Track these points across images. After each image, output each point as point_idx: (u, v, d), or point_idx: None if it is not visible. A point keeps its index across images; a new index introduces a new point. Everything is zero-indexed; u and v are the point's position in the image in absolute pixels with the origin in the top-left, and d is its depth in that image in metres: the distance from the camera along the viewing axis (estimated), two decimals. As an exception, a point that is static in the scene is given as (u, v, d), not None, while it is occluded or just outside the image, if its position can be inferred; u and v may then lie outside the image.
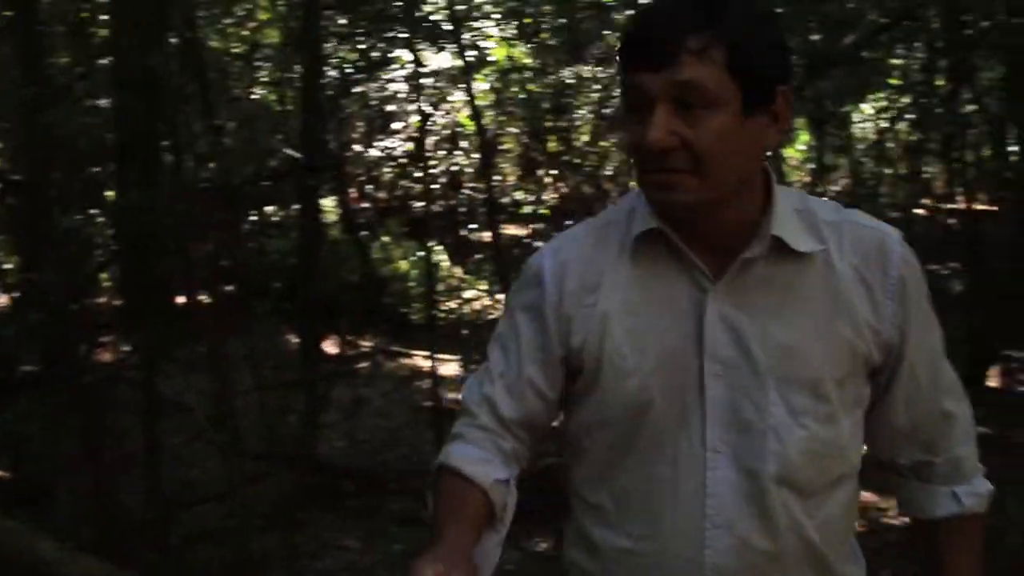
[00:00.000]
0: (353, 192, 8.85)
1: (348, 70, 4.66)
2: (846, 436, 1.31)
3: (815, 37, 5.03)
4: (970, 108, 5.98)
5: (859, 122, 7.92)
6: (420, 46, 3.35)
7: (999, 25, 5.03)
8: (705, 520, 1.28)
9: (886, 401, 1.35)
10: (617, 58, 1.26)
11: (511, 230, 10.59)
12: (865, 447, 1.40)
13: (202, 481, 5.05)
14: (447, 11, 4.28)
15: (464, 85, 4.48)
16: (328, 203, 10.09)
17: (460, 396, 1.48)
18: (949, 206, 8.93)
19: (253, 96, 6.77)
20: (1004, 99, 5.65)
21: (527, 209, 7.47)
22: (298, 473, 5.17)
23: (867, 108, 8.83)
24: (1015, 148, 5.58)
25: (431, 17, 6.00)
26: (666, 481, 1.30)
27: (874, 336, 1.29)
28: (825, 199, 1.39)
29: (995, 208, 6.48)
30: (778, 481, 1.27)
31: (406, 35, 3.08)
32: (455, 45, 4.28)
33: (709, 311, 1.27)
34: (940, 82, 6.00)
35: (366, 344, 7.76)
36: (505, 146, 8.21)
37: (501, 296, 5.99)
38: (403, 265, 8.72)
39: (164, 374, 6.68)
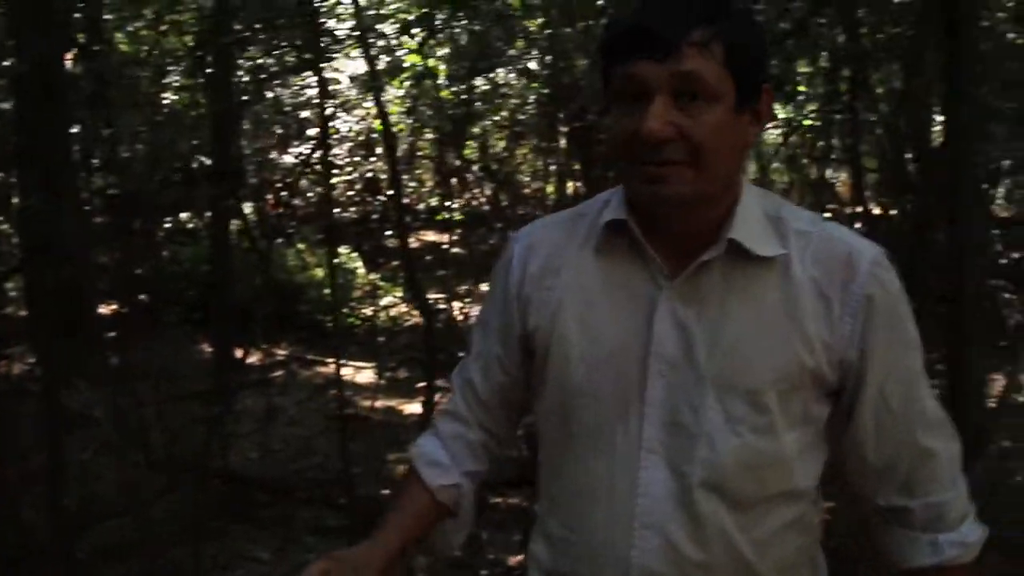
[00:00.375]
0: (270, 198, 8.73)
1: (260, 75, 4.60)
2: (789, 452, 1.26)
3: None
4: (870, 116, 6.17)
5: (768, 128, 8.09)
6: (327, 53, 3.31)
7: (893, 36, 5.22)
8: (634, 519, 1.27)
9: (853, 429, 1.29)
10: (604, 49, 1.25)
11: (429, 236, 10.60)
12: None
13: (109, 495, 4.92)
14: (355, 18, 4.27)
15: (377, 91, 4.45)
16: (244, 209, 9.99)
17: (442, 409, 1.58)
18: (853, 210, 9.20)
19: (164, 101, 6.65)
20: (899, 107, 5.85)
21: (443, 215, 7.43)
22: (210, 484, 5.08)
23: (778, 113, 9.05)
24: (911, 155, 5.77)
25: (342, 23, 6.00)
26: (603, 476, 1.30)
27: (826, 352, 1.24)
28: (808, 211, 1.35)
29: (895, 213, 6.69)
30: (708, 488, 1.25)
31: (308, 42, 3.05)
32: (362, 52, 4.26)
33: (660, 309, 1.27)
34: (842, 89, 6.18)
35: (281, 352, 7.66)
36: (421, 152, 8.20)
37: (415, 302, 5.97)
38: (319, 272, 8.63)
39: (72, 387, 6.52)
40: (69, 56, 4.75)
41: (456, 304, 6.13)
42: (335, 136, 8.20)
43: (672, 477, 1.26)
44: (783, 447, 1.25)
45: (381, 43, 4.77)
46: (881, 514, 1.34)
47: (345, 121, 7.80)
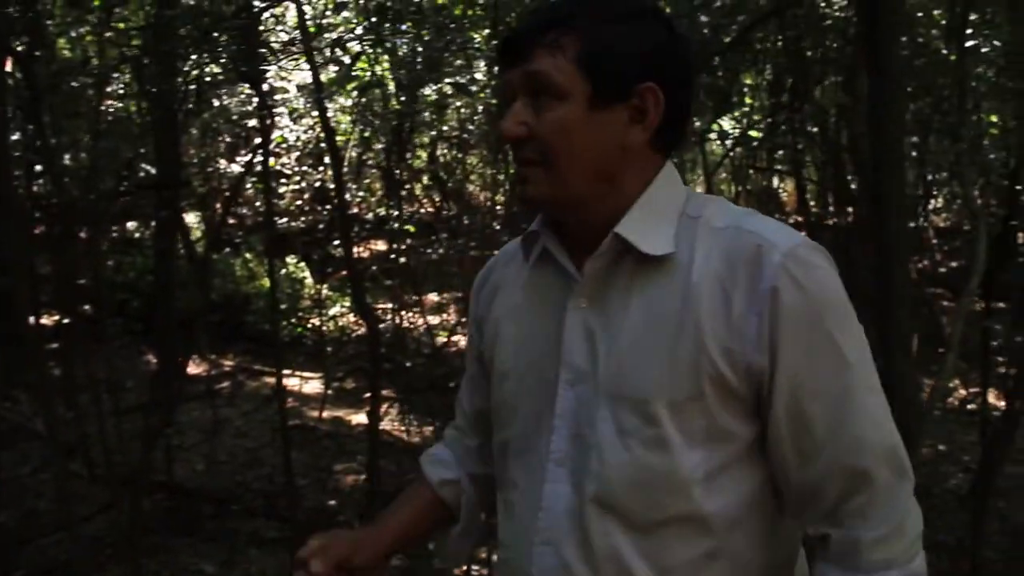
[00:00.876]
0: (217, 208, 8.64)
1: (200, 85, 4.56)
2: (687, 472, 1.14)
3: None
4: (812, 128, 6.30)
5: (715, 140, 8.19)
6: (264, 64, 3.30)
7: (830, 51, 5.34)
8: (536, 535, 1.23)
9: (769, 446, 1.16)
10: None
11: (379, 246, 10.56)
12: None
13: (50, 511, 4.84)
14: (298, 28, 4.27)
15: (320, 101, 4.43)
16: (191, 219, 9.88)
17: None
18: (796, 219, 9.35)
19: (108, 109, 6.56)
20: (838, 120, 5.98)
21: (392, 225, 7.42)
22: (154, 498, 5.02)
23: (726, 125, 9.18)
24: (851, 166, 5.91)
25: (288, 33, 5.97)
26: (519, 488, 1.28)
27: (726, 357, 1.12)
28: (744, 208, 1.26)
29: (836, 222, 6.82)
30: (599, 505, 1.18)
31: (243, 53, 3.04)
32: (307, 62, 4.25)
33: (569, 316, 1.24)
34: (785, 102, 6.29)
35: (228, 363, 7.59)
36: (371, 161, 8.18)
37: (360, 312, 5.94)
38: (266, 282, 8.56)
39: (11, 399, 6.40)
40: (8, 62, 4.67)
41: (405, 314, 6.12)
42: (283, 145, 8.15)
43: (573, 492, 1.20)
44: (679, 466, 1.14)
45: (327, 53, 4.73)
46: (810, 543, 1.21)
47: (292, 130, 7.74)
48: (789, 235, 1.17)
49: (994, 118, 5.80)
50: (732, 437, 1.16)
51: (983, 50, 4.84)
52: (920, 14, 5.45)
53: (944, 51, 5.01)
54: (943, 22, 5.36)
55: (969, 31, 4.50)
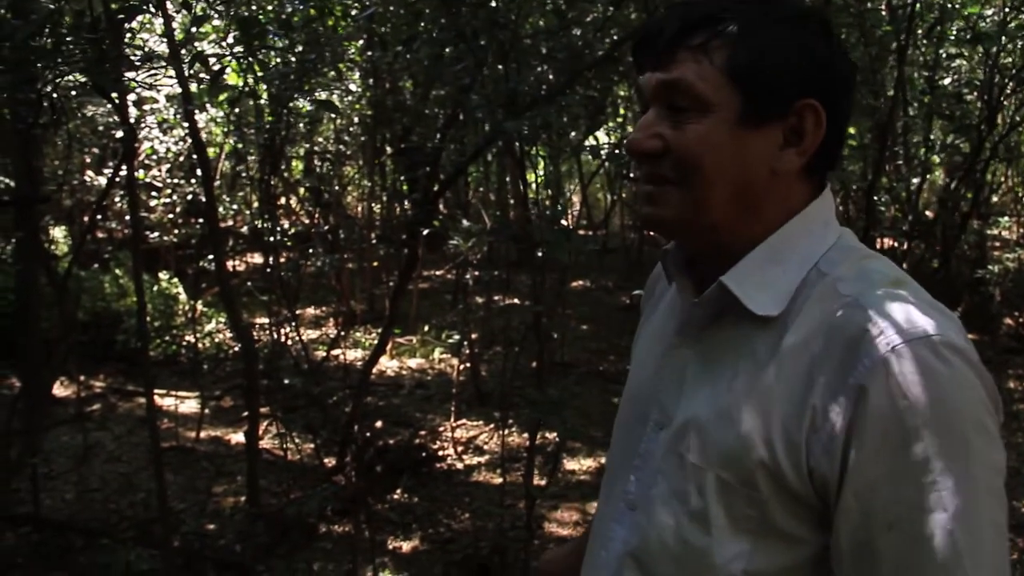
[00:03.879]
0: (85, 221, 8.31)
1: (63, 96, 4.37)
2: (725, 561, 0.99)
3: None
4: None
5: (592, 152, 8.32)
6: (118, 75, 3.18)
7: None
8: (595, 572, 1.15)
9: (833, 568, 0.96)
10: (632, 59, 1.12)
11: (256, 258, 10.35)
12: None
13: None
14: (165, 37, 4.14)
15: (188, 111, 4.31)
16: (58, 234, 9.47)
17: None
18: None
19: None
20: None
21: (268, 238, 7.27)
22: (19, 532, 4.78)
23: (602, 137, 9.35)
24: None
25: (152, 42, 5.78)
26: (598, 518, 1.20)
27: (789, 451, 0.95)
28: (895, 276, 1.01)
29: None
30: (636, 561, 1.08)
31: (93, 65, 2.93)
32: (174, 73, 4.12)
33: (671, 354, 1.13)
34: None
35: (99, 384, 7.29)
36: (245, 174, 7.99)
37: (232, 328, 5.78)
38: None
39: None
40: None
41: (282, 329, 5.99)
42: (153, 157, 7.90)
43: (627, 540, 1.10)
44: (715, 552, 0.99)
45: (195, 64, 4.60)
46: None
47: (162, 142, 7.51)
48: (918, 323, 0.93)
49: (852, 130, 6.07)
50: (793, 541, 0.97)
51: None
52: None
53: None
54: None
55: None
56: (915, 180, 5.72)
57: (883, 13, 5.03)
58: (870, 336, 0.92)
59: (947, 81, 5.90)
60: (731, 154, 1.01)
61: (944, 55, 5.73)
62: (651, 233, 1.18)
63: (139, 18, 5.26)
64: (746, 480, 0.97)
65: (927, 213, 7.49)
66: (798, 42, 1.02)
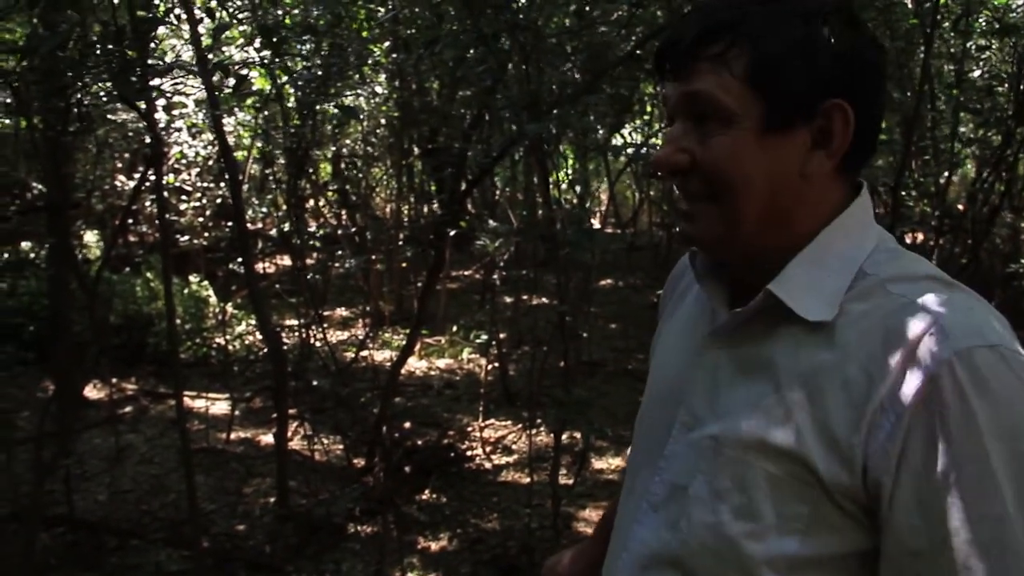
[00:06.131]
0: (117, 225, 8.40)
1: (92, 103, 4.43)
2: (773, 556, 0.97)
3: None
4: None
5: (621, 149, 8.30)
6: (145, 84, 3.22)
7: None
8: (615, 574, 1.14)
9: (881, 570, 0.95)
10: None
11: (286, 260, 10.42)
12: None
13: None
14: (192, 44, 4.19)
15: (215, 116, 4.35)
16: (91, 238, 9.59)
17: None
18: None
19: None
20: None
21: (296, 240, 7.32)
22: (53, 532, 4.86)
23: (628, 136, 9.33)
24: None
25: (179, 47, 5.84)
26: (619, 519, 1.19)
27: (841, 453, 0.93)
28: (941, 277, 1.00)
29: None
30: (669, 563, 1.06)
31: (117, 76, 2.96)
32: (200, 78, 4.16)
33: (703, 356, 1.10)
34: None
35: (130, 387, 7.37)
36: (272, 177, 8.06)
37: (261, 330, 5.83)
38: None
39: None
40: None
41: (311, 330, 6.04)
42: (183, 161, 7.98)
43: (654, 541, 1.09)
44: (760, 547, 0.98)
45: (220, 70, 4.65)
46: None
47: (191, 146, 7.58)
48: (982, 327, 0.92)
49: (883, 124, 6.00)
50: (842, 537, 0.96)
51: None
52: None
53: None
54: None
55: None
56: (944, 174, 5.66)
57: (908, 5, 4.97)
58: (933, 337, 0.90)
59: (976, 74, 5.83)
60: (759, 163, 0.99)
61: (973, 47, 5.65)
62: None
63: (166, 25, 5.32)
64: (797, 475, 0.95)
65: (958, 207, 7.39)
66: (820, 40, 0.99)
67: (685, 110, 1.02)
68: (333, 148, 7.64)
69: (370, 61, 5.85)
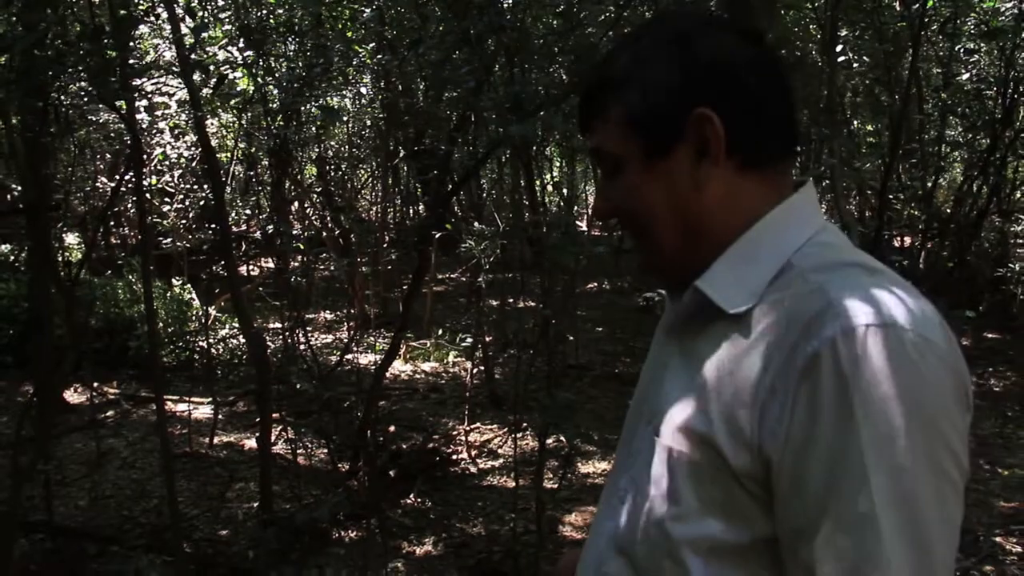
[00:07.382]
0: (99, 228, 8.32)
1: (71, 104, 4.37)
2: (694, 539, 1.00)
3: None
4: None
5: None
6: (125, 85, 3.17)
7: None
8: (585, 570, 1.19)
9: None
10: None
11: (270, 263, 10.34)
12: None
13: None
14: (174, 44, 4.13)
15: (198, 117, 4.30)
16: (72, 240, 9.50)
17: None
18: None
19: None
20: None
21: (279, 241, 7.27)
22: (32, 539, 4.78)
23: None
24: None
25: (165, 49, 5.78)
26: (597, 514, 1.23)
27: (741, 429, 0.96)
28: (865, 265, 1.01)
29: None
30: (621, 552, 1.10)
31: (96, 76, 2.91)
32: (180, 79, 4.11)
33: (663, 353, 1.18)
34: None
35: (112, 391, 7.29)
36: (256, 178, 8.01)
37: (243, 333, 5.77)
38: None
39: None
40: None
41: (295, 333, 5.97)
42: (165, 163, 7.91)
43: (611, 532, 1.13)
44: (682, 530, 1.01)
45: (199, 71, 4.59)
46: None
47: (174, 147, 7.52)
48: (881, 307, 0.91)
49: (870, 127, 6.01)
50: (752, 521, 0.98)
51: (854, 65, 5.00)
52: (797, 29, 5.61)
53: (820, 64, 5.15)
54: (818, 36, 5.52)
55: (839, 47, 4.63)
56: (932, 178, 5.65)
57: (896, 8, 4.97)
58: (823, 317, 0.91)
59: (964, 77, 5.83)
60: (656, 193, 1.07)
61: (960, 51, 5.66)
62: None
63: (147, 24, 5.26)
64: (712, 461, 0.97)
65: (945, 210, 7.40)
66: (672, 59, 1.05)
67: (597, 164, 1.13)
68: (317, 150, 7.58)
69: (355, 62, 5.81)
